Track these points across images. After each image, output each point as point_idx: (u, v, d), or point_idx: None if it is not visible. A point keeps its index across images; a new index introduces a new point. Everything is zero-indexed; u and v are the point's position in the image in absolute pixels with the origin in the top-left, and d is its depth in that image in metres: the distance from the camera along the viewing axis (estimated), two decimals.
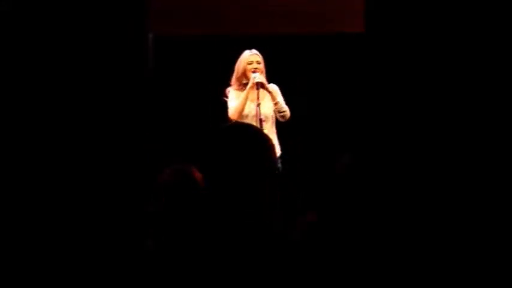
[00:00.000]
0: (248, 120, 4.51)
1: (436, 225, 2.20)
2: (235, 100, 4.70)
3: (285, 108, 4.72)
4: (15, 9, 5.45)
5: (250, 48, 4.77)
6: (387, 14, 5.69)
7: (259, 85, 4.63)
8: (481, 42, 5.49)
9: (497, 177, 5.10)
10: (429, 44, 5.57)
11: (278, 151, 4.69)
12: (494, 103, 5.45)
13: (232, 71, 4.78)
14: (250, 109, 4.65)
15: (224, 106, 4.75)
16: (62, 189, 5.11)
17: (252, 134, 1.86)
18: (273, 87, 4.77)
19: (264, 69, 4.72)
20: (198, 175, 2.51)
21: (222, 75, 4.90)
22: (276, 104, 4.69)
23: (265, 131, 4.09)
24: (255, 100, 4.62)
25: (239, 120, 4.54)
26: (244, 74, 4.70)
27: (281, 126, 4.80)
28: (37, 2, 5.48)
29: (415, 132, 5.52)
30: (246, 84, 4.68)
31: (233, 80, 4.76)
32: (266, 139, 1.86)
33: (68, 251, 3.74)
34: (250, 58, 4.70)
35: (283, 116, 4.72)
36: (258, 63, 4.69)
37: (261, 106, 4.60)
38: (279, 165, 4.65)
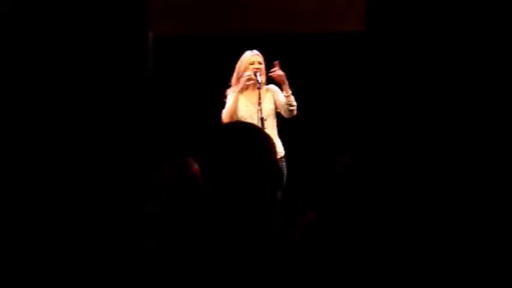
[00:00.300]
0: (249, 121, 4.49)
1: (435, 225, 2.20)
2: (229, 109, 4.69)
3: (295, 102, 4.70)
4: (15, 9, 5.45)
5: (250, 48, 4.77)
6: (388, 13, 5.69)
7: (261, 84, 4.63)
8: (481, 41, 5.49)
9: (497, 178, 5.09)
10: (430, 42, 5.56)
11: (281, 151, 4.68)
12: (494, 103, 5.44)
13: (232, 70, 4.77)
14: (250, 111, 4.65)
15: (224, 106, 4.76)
16: (62, 189, 5.11)
17: (252, 132, 1.85)
18: (273, 88, 4.76)
19: (265, 70, 4.72)
20: (197, 169, 2.50)
21: (222, 75, 4.89)
22: (287, 96, 4.68)
23: (267, 130, 4.09)
24: (255, 102, 4.62)
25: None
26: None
27: (282, 126, 4.79)
28: (37, 2, 5.48)
29: (415, 132, 5.52)
30: (247, 84, 4.68)
31: (233, 80, 4.76)
32: (266, 138, 1.86)
33: (68, 251, 3.74)
34: (251, 58, 4.69)
35: (291, 111, 4.69)
36: (260, 63, 4.69)
37: (263, 106, 4.59)
38: (283, 163, 4.64)
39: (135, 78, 5.59)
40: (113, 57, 5.55)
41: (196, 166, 2.50)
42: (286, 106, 4.66)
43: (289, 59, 5.63)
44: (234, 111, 4.66)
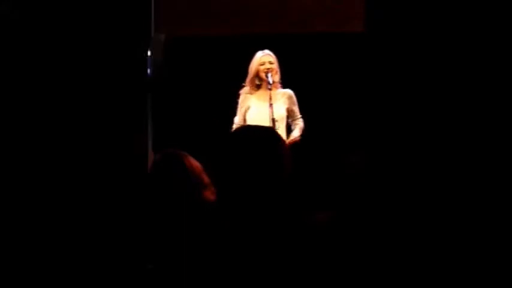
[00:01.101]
0: (260, 121, 4.49)
1: (438, 226, 2.20)
2: (238, 115, 4.74)
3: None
4: (16, 9, 5.44)
5: (254, 50, 4.77)
6: (387, 13, 5.70)
7: (272, 85, 4.64)
8: (481, 40, 5.50)
9: (500, 178, 5.10)
10: (430, 43, 5.57)
11: None
12: (495, 102, 5.45)
13: (240, 71, 4.78)
14: (261, 111, 4.62)
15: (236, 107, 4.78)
16: (62, 189, 5.10)
17: (264, 134, 1.86)
18: (290, 94, 4.76)
19: (278, 69, 4.71)
20: (195, 164, 2.50)
21: (232, 75, 4.91)
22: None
23: (278, 131, 4.10)
24: (267, 101, 4.60)
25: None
26: (257, 76, 4.69)
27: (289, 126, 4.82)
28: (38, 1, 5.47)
29: (416, 132, 5.53)
30: (259, 85, 4.69)
31: (247, 81, 4.75)
32: (279, 139, 1.87)
33: (67, 253, 3.73)
34: (262, 59, 4.68)
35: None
36: (271, 63, 4.67)
37: (274, 107, 4.57)
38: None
39: (138, 79, 5.59)
40: (116, 58, 5.55)
41: (193, 160, 2.50)
42: (293, 122, 4.77)
43: (291, 59, 5.64)
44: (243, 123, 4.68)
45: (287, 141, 4.62)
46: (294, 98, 4.77)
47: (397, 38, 5.67)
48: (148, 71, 5.67)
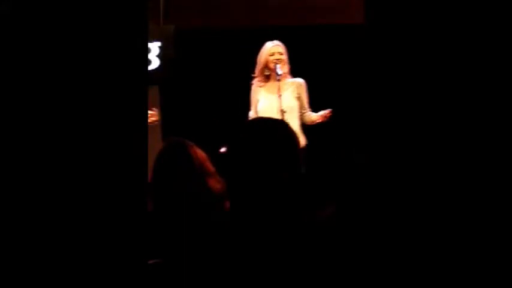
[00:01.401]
0: (269, 113, 4.48)
1: (440, 225, 2.21)
2: (252, 109, 4.73)
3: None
4: (15, 8, 5.43)
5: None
6: (388, 5, 5.69)
7: (281, 76, 4.59)
8: (484, 34, 5.49)
9: (501, 176, 5.09)
10: (432, 35, 5.56)
11: (303, 142, 4.59)
12: (497, 94, 5.45)
13: (245, 63, 4.78)
14: (271, 103, 4.61)
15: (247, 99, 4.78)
16: (61, 189, 5.09)
17: (274, 126, 1.86)
18: (299, 82, 4.73)
19: (287, 61, 4.68)
20: (199, 153, 2.51)
21: (239, 68, 4.91)
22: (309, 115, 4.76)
23: (288, 122, 4.10)
24: (275, 92, 4.58)
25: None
26: (266, 66, 4.65)
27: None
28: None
29: (417, 128, 5.52)
30: (269, 76, 4.67)
31: (256, 72, 4.72)
32: (288, 131, 1.86)
33: (66, 250, 3.72)
34: (272, 49, 4.64)
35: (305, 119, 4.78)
36: (280, 54, 4.63)
37: (283, 98, 4.55)
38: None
39: (137, 74, 5.60)
40: (116, 54, 5.55)
41: (197, 149, 2.52)
42: (304, 114, 4.73)
43: (295, 51, 5.65)
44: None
45: (318, 119, 4.67)
46: (304, 87, 4.72)
47: (398, 30, 5.66)
48: (159, 62, 5.64)
